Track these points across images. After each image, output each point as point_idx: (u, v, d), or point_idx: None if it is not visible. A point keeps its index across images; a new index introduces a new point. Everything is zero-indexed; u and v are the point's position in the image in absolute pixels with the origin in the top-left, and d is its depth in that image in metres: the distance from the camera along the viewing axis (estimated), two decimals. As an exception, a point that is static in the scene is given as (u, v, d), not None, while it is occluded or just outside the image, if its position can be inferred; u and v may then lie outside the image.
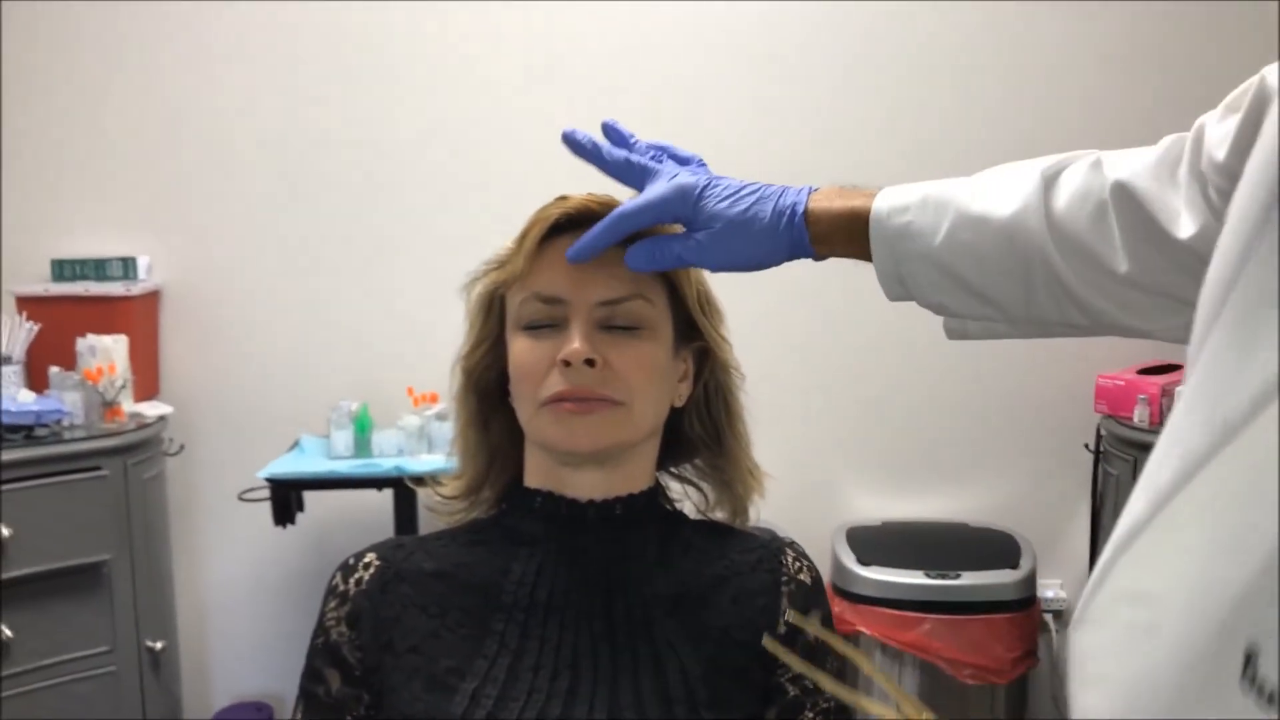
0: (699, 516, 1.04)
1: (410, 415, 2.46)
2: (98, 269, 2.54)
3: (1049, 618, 2.71)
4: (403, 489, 2.37)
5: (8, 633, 2.17)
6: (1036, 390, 2.67)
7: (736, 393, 1.03)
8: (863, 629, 2.42)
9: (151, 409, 2.46)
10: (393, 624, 0.92)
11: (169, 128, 2.62)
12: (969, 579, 2.42)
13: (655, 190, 0.89)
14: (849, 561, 2.48)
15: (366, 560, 0.96)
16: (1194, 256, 0.73)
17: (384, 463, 2.35)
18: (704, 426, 1.02)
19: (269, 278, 2.66)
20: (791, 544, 1.02)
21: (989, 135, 2.59)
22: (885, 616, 2.41)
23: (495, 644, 0.90)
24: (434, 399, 2.51)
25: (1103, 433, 2.49)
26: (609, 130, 0.97)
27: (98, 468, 2.27)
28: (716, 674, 0.90)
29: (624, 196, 0.99)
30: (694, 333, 0.99)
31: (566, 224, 0.94)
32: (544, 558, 0.94)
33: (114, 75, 2.61)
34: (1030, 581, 2.45)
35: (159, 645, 2.41)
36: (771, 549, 0.99)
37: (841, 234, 0.87)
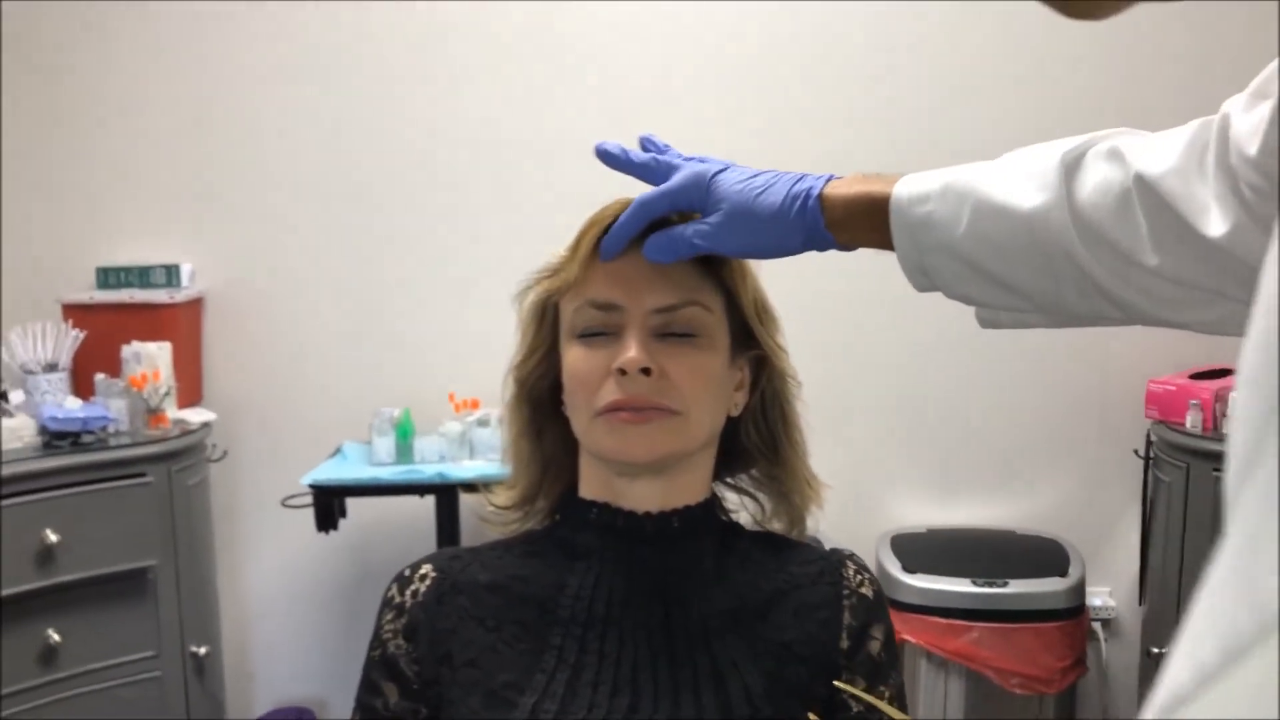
0: (755, 528, 1.02)
1: (452, 421, 2.46)
2: (142, 276, 2.56)
3: (1098, 626, 2.66)
4: (445, 495, 2.37)
5: (56, 637, 2.19)
6: (1085, 395, 2.62)
7: (794, 401, 1.01)
8: (908, 637, 2.38)
9: (195, 415, 2.47)
10: (450, 636, 0.91)
11: (211, 135, 2.64)
12: (1017, 587, 2.38)
13: (672, 178, 0.89)
14: (894, 569, 2.45)
15: (423, 572, 0.95)
16: (1226, 255, 0.69)
17: (426, 469, 2.34)
18: (760, 436, 1.00)
19: (310, 284, 2.67)
20: (852, 556, 1.00)
21: (1007, 137, 2.55)
22: (932, 625, 2.38)
23: (553, 658, 0.89)
24: (475, 405, 2.51)
25: (1153, 438, 2.44)
26: (645, 142, 0.97)
27: (143, 474, 2.28)
28: (779, 689, 0.88)
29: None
30: (750, 341, 0.97)
31: None
32: (600, 570, 0.93)
33: (156, 81, 2.63)
34: (1079, 590, 2.41)
35: (203, 650, 2.42)
36: (832, 561, 0.97)
37: (861, 221, 0.84)
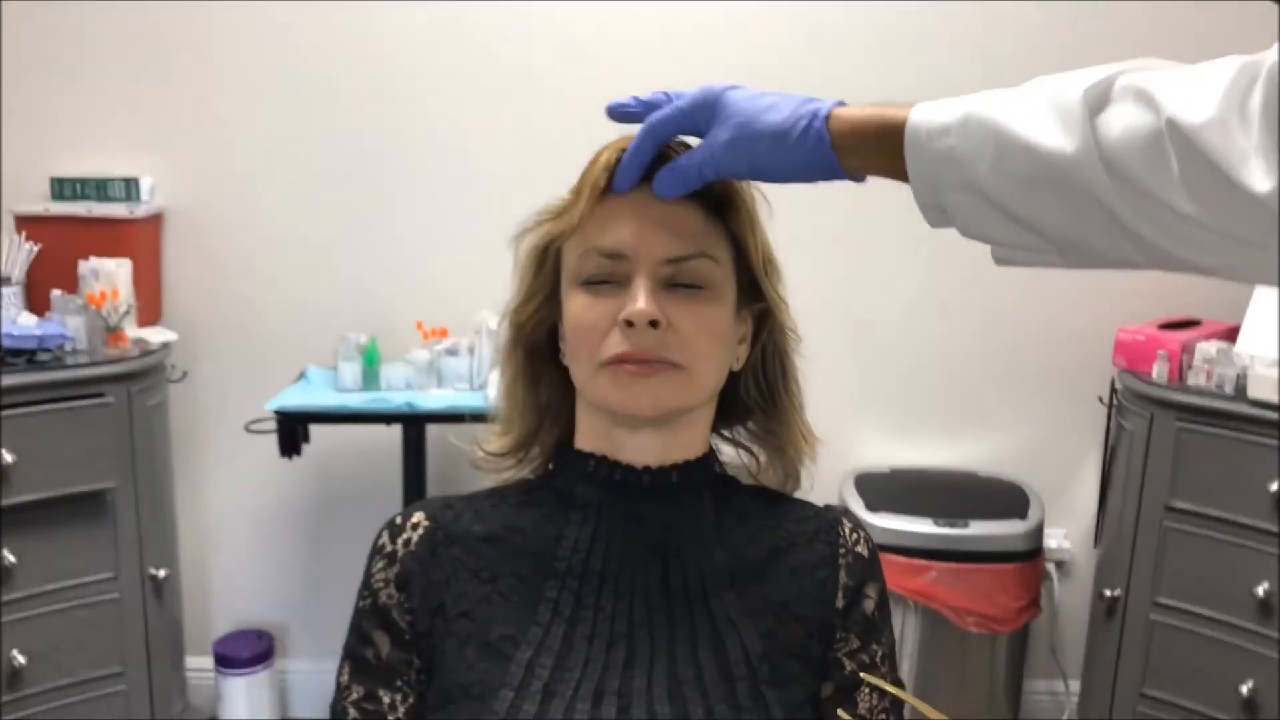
0: (750, 481, 1.02)
1: (419, 349, 2.42)
2: (99, 189, 2.47)
3: (1051, 567, 2.72)
4: (412, 425, 2.34)
5: (10, 558, 2.15)
6: (1051, 340, 2.64)
7: (793, 355, 1.00)
8: (869, 575, 2.42)
9: (155, 335, 2.41)
10: (443, 587, 0.90)
11: (175, 45, 2.53)
12: (977, 528, 2.41)
13: (684, 96, 0.86)
14: (858, 508, 2.47)
15: (415, 520, 0.93)
16: (1268, 210, 0.66)
17: (394, 398, 2.31)
18: (760, 390, 0.99)
19: (277, 204, 2.59)
20: (846, 512, 0.99)
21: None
22: (892, 564, 2.41)
23: (549, 611, 0.88)
24: (443, 333, 2.47)
25: (1118, 386, 2.47)
26: (657, 94, 0.93)
27: (101, 394, 2.23)
28: (777, 650, 0.88)
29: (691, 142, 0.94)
30: (755, 293, 0.95)
31: None
32: (598, 524, 0.91)
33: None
34: (1038, 533, 2.45)
35: (162, 573, 2.39)
36: (827, 519, 0.97)
37: (873, 148, 0.80)
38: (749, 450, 1.01)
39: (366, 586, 0.92)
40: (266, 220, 2.60)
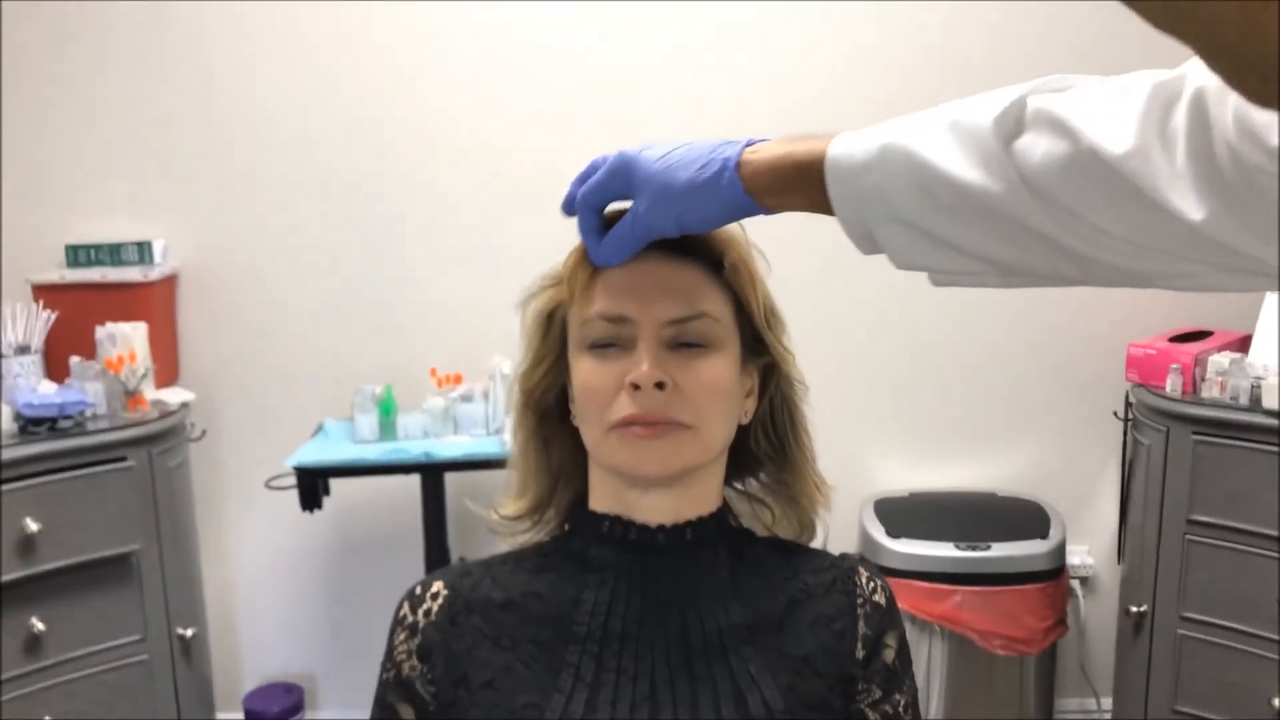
0: (765, 534, 1.02)
1: (435, 397, 2.44)
2: (113, 254, 2.50)
3: (1076, 584, 2.71)
4: (431, 473, 2.36)
5: (40, 626, 2.17)
6: (1065, 357, 2.64)
7: (801, 405, 1.00)
8: (893, 602, 2.41)
9: (173, 395, 2.44)
10: (465, 657, 0.90)
11: (180, 106, 2.57)
12: (999, 550, 2.41)
13: (600, 170, 0.88)
14: (878, 534, 2.47)
15: (434, 590, 0.94)
16: (1200, 235, 0.66)
17: (411, 448, 2.33)
18: (770, 442, 0.99)
19: (287, 259, 2.62)
20: (862, 560, 1.00)
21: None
22: (916, 589, 2.41)
23: (570, 677, 0.89)
24: (458, 380, 2.49)
25: (1132, 401, 2.47)
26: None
27: (123, 458, 2.26)
28: (798, 704, 0.88)
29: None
30: (759, 347, 0.96)
31: None
32: (615, 585, 0.92)
33: (122, 53, 2.55)
34: (1060, 551, 2.45)
35: (189, 633, 2.41)
36: (844, 569, 0.97)
37: (792, 186, 0.80)
38: (762, 502, 1.02)
39: (389, 658, 0.93)
40: (278, 275, 2.63)
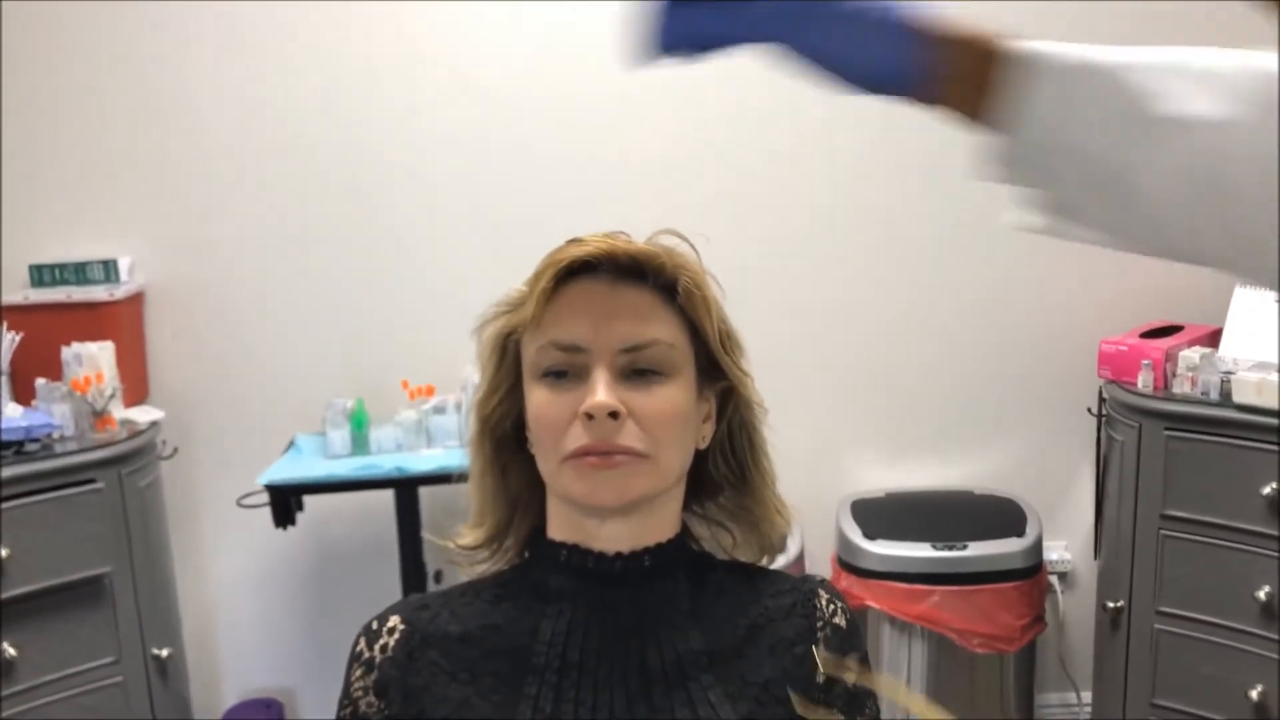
0: (726, 557, 1.02)
1: (407, 410, 2.43)
2: (78, 273, 2.48)
3: (1054, 579, 2.72)
4: (405, 487, 2.34)
5: (11, 651, 2.14)
6: (1038, 355, 2.65)
7: (760, 428, 1.00)
8: (871, 603, 2.42)
9: (143, 414, 2.42)
10: (423, 693, 0.90)
11: (144, 123, 2.54)
12: (976, 549, 2.41)
13: None
14: (855, 536, 2.47)
15: (390, 624, 0.93)
16: None
17: (384, 463, 2.31)
18: (729, 466, 0.99)
19: (255, 272, 2.60)
20: (823, 583, 0.99)
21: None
22: (893, 590, 2.41)
23: (529, 709, 0.88)
24: (430, 391, 2.47)
25: (1105, 397, 2.48)
26: None
27: (92, 479, 2.23)
28: (758, 733, 0.88)
29: (641, 233, 0.95)
30: (716, 371, 0.96)
31: (581, 267, 0.90)
32: (573, 615, 0.92)
33: (84, 67, 2.51)
34: (1037, 549, 2.45)
35: (165, 653, 2.38)
36: (804, 592, 0.97)
37: (971, 68, 0.63)
38: (722, 526, 1.01)
39: (346, 696, 0.93)
40: (246, 290, 2.61)
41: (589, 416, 0.86)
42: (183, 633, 2.56)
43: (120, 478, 2.28)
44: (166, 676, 2.42)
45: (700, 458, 0.97)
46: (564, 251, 0.90)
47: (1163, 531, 2.30)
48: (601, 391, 0.86)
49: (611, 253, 0.89)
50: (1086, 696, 2.72)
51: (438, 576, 2.42)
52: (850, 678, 0.94)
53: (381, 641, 0.93)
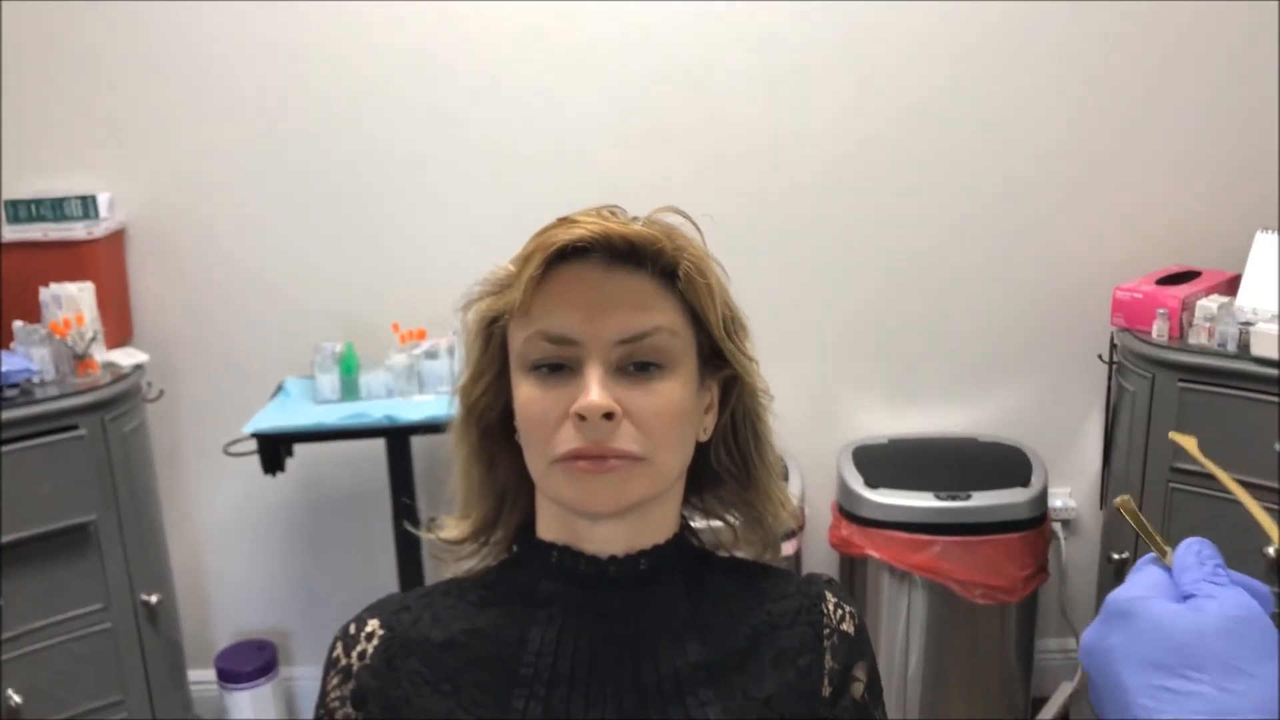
0: (724, 554, 0.96)
1: (398, 354, 2.36)
2: (55, 209, 2.38)
3: (1058, 527, 2.67)
4: (396, 435, 2.28)
5: (-3, 600, 2.11)
6: (1049, 301, 2.57)
7: (766, 418, 0.93)
8: (872, 552, 2.38)
9: (126, 357, 2.35)
10: (403, 704, 0.84)
11: (125, 52, 2.42)
12: (979, 499, 2.36)
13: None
14: (856, 485, 2.42)
15: (369, 629, 0.88)
16: None
17: (374, 410, 2.25)
18: (731, 459, 0.92)
19: (241, 209, 2.50)
20: (830, 583, 0.93)
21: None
22: (895, 540, 2.37)
23: (516, 725, 0.82)
24: (421, 335, 2.40)
25: (1117, 344, 2.40)
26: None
27: (75, 426, 2.17)
28: (760, 753, 0.82)
29: (636, 208, 0.87)
30: (719, 359, 0.88)
31: (573, 251, 0.82)
32: (564, 622, 0.85)
33: (65, 3, 2.39)
34: (1042, 499, 2.41)
35: (154, 598, 2.35)
36: (810, 595, 0.91)
37: None
38: (723, 520, 0.95)
39: (322, 704, 0.87)
40: (232, 227, 2.51)
41: (581, 418, 0.79)
42: (173, 578, 2.53)
43: (104, 423, 2.22)
44: (157, 622, 2.39)
45: (701, 450, 0.90)
46: (554, 234, 0.82)
47: (1171, 484, 2.24)
48: (595, 391, 0.79)
49: (606, 236, 0.81)
50: (1086, 643, 2.69)
51: (431, 524, 2.37)
52: (858, 690, 0.88)
53: (359, 648, 0.87)
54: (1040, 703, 2.67)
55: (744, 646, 0.87)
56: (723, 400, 0.90)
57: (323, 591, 2.72)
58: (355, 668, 0.86)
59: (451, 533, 0.94)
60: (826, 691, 0.87)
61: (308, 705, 2.76)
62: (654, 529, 0.87)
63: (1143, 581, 0.66)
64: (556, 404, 0.81)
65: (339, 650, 0.88)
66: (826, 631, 0.89)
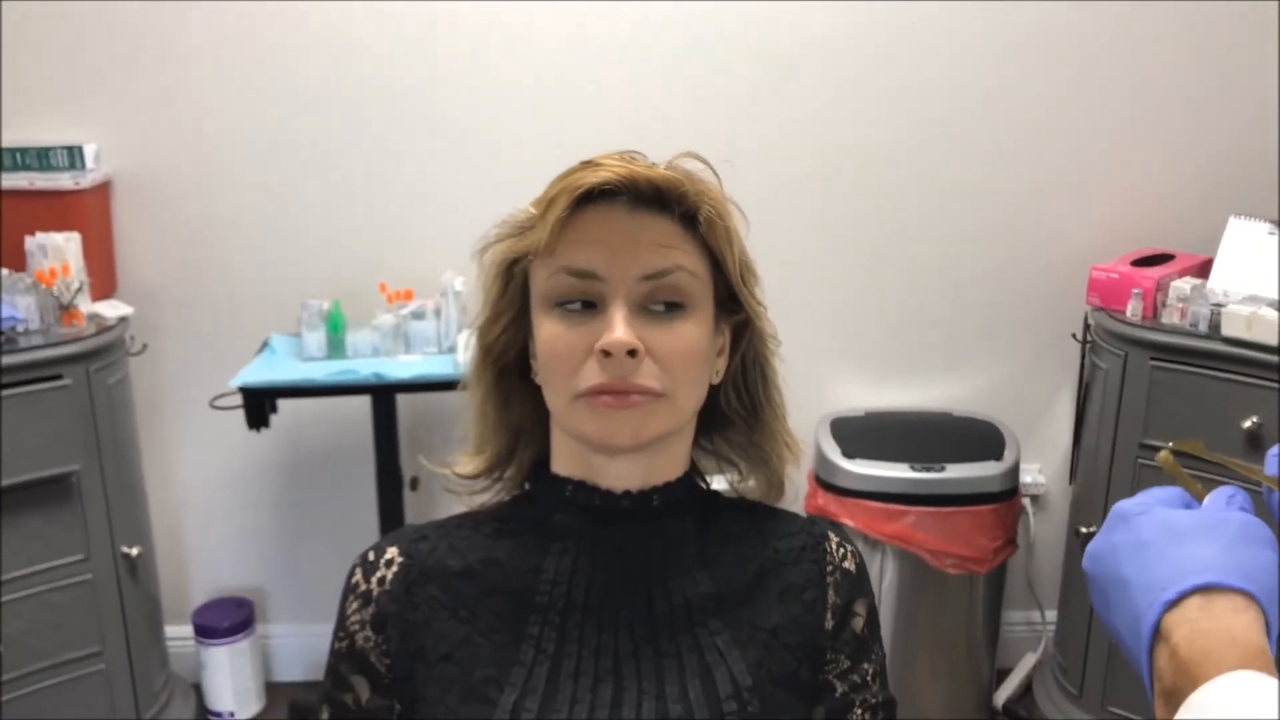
0: (731, 493, 0.99)
1: (385, 314, 2.37)
2: (41, 158, 2.36)
3: (1027, 502, 2.74)
4: (382, 393, 2.30)
5: (-23, 547, 2.11)
6: (1026, 279, 2.62)
7: (773, 361, 0.96)
8: (847, 521, 2.42)
9: (111, 309, 2.34)
10: (422, 629, 0.87)
11: (116, 3, 2.40)
12: (953, 471, 2.41)
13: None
14: (833, 454, 2.47)
15: (388, 556, 0.90)
16: None
17: (361, 368, 2.26)
18: (741, 401, 0.96)
19: (230, 164, 2.49)
20: (833, 526, 0.97)
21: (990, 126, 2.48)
22: (869, 509, 2.41)
23: (531, 650, 0.85)
24: (408, 295, 2.41)
25: (1091, 323, 2.46)
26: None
27: (59, 376, 2.17)
28: (766, 680, 0.86)
29: (657, 154, 0.90)
30: (733, 304, 0.91)
31: (597, 193, 0.84)
32: (578, 554, 0.89)
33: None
34: (1014, 473, 2.46)
35: (135, 551, 2.36)
36: (814, 535, 0.95)
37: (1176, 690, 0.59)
38: (730, 461, 0.98)
39: (341, 628, 0.90)
40: (220, 182, 2.50)
41: (605, 354, 0.81)
42: (152, 533, 2.53)
43: (88, 374, 2.22)
44: (136, 575, 2.40)
45: (711, 392, 0.93)
46: (580, 176, 0.84)
47: (1140, 461, 2.31)
48: (620, 328, 0.81)
49: (632, 178, 0.84)
50: (1051, 615, 2.76)
51: (414, 484, 2.39)
52: (859, 624, 0.92)
53: (379, 574, 0.89)
54: (1005, 674, 2.74)
55: (751, 580, 0.91)
56: (733, 345, 0.93)
57: (301, 551, 2.73)
58: (375, 593, 0.89)
59: (466, 468, 0.96)
60: (829, 624, 0.91)
61: (284, 663, 2.77)
62: (667, 466, 0.90)
63: (1151, 493, 0.70)
64: (580, 340, 0.83)
65: (358, 576, 0.90)
66: (830, 568, 0.93)
